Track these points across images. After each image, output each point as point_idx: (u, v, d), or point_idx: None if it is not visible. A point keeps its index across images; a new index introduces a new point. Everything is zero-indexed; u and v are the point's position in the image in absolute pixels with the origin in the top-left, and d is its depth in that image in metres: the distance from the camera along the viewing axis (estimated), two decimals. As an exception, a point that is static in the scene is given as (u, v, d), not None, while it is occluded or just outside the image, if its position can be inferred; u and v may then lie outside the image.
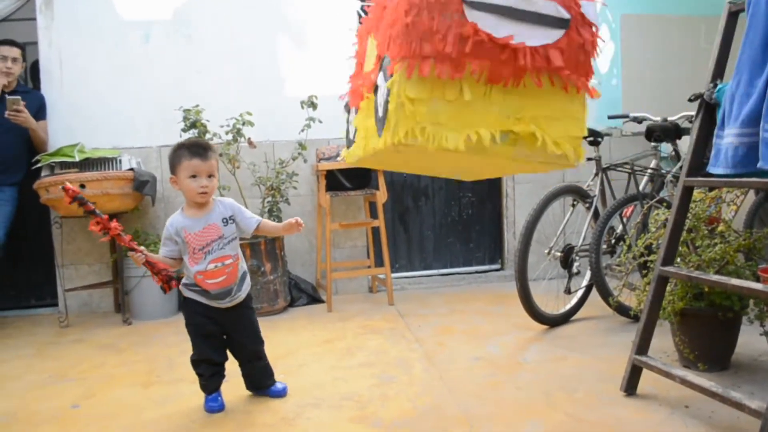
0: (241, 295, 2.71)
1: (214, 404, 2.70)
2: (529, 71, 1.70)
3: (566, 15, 1.69)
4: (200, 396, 2.76)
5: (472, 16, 1.66)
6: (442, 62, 1.67)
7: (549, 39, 1.67)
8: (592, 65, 1.79)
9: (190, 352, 2.76)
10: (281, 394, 2.82)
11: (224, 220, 2.62)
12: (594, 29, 1.77)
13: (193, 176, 2.53)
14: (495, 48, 1.68)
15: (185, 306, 2.70)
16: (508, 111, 1.73)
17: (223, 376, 2.77)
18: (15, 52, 4.29)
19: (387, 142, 1.74)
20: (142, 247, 2.53)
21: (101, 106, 4.70)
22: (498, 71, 1.69)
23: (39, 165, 4.27)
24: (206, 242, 2.57)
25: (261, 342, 2.81)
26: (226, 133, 4.37)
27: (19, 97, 4.16)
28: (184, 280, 2.66)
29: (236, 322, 2.72)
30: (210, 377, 2.72)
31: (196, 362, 2.73)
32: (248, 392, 2.88)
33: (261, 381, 2.84)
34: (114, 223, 2.52)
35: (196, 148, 2.56)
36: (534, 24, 1.67)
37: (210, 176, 2.55)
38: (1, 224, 4.24)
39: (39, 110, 4.45)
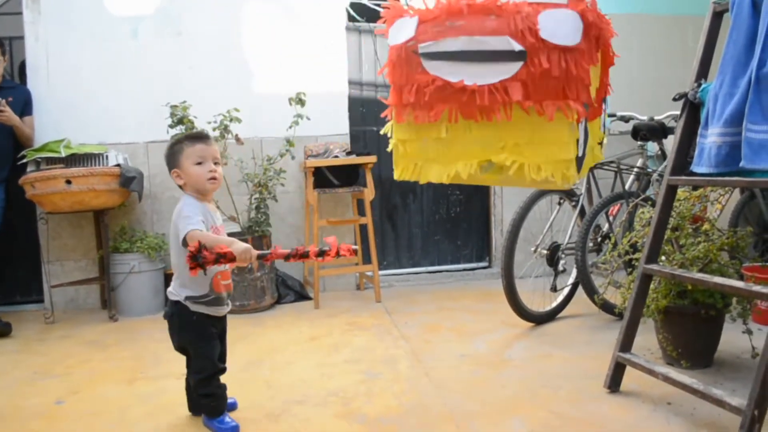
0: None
1: (232, 423, 2.47)
2: (497, 106, 1.79)
3: (518, 47, 1.72)
4: (184, 392, 2.76)
5: (430, 66, 1.85)
6: (419, 109, 1.91)
7: (508, 73, 1.73)
8: (577, 86, 1.75)
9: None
10: (234, 407, 2.68)
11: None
12: (560, 52, 1.73)
13: (199, 163, 2.38)
14: (455, 91, 1.83)
15: (194, 323, 2.43)
16: (491, 142, 1.85)
17: None
18: None
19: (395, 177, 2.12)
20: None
21: (88, 102, 4.68)
22: (467, 110, 1.83)
23: (25, 161, 4.24)
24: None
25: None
26: (214, 129, 4.35)
27: (1, 99, 4.11)
28: (188, 293, 2.41)
29: (224, 330, 2.59)
30: (224, 392, 2.52)
31: (212, 378, 2.47)
32: (232, 388, 2.88)
33: None
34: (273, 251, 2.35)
35: (196, 134, 2.47)
36: (490, 62, 1.75)
37: (216, 163, 2.41)
38: None
39: (25, 105, 4.41)
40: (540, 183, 1.83)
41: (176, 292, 2.43)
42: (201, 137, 2.43)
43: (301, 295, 4.75)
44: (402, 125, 1.99)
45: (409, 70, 1.92)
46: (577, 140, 1.78)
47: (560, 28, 1.71)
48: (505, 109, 1.78)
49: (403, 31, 1.94)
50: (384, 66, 2.07)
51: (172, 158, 2.42)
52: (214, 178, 2.39)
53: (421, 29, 1.88)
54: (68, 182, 4.03)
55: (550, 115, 1.72)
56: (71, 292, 4.74)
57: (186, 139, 2.43)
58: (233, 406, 2.68)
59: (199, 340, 2.45)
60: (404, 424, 2.47)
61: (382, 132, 2.16)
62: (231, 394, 2.77)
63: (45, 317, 4.34)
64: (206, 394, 2.47)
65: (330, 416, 2.56)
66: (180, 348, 2.53)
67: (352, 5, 5.14)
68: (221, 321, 2.55)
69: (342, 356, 3.34)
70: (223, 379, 2.74)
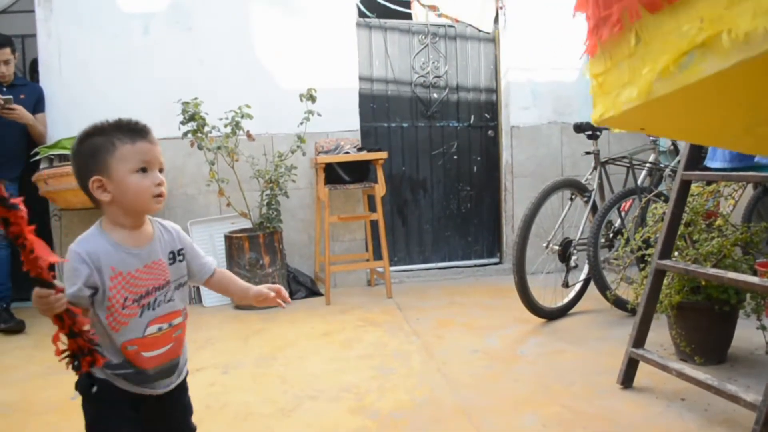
0: (185, 370, 1.67)
1: None
2: None
3: None
4: (197, 387, 2.77)
5: None
6: (601, 25, 1.54)
7: None
8: None
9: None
10: None
11: (171, 255, 1.60)
12: None
13: (142, 170, 1.51)
14: None
15: (94, 397, 1.54)
16: (687, 26, 1.34)
17: None
18: (6, 53, 4.23)
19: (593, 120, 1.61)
20: (60, 284, 1.35)
21: (100, 99, 4.69)
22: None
23: (38, 157, 4.27)
24: (148, 289, 1.52)
25: None
26: (225, 125, 4.37)
27: (10, 97, 4.13)
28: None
29: (169, 415, 1.65)
30: None
31: None
32: (245, 383, 2.89)
33: None
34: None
35: (134, 126, 1.57)
36: None
37: (161, 170, 1.56)
38: None
39: (37, 103, 4.44)
40: (750, 46, 1.28)
41: None
42: (142, 132, 1.58)
43: (313, 291, 4.76)
44: (595, 57, 1.66)
45: None
46: None
47: None
48: None
49: None
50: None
51: (93, 158, 1.52)
52: (161, 195, 1.53)
53: None
54: (81, 179, 4.04)
55: None
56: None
57: (118, 131, 1.55)
58: None
59: (94, 424, 1.57)
60: (417, 419, 2.47)
61: (582, 75, 1.81)
62: (244, 390, 2.79)
63: (58, 313, 4.36)
64: None
65: (343, 411, 2.57)
66: None
67: (363, 1, 5.14)
68: (150, 405, 1.58)
69: (354, 352, 3.34)
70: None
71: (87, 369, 1.42)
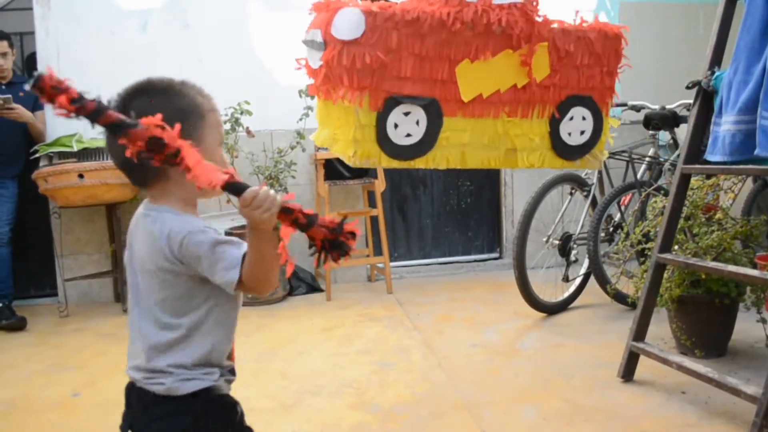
0: None
1: None
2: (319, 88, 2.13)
3: (320, 39, 1.99)
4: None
5: (307, 53, 2.20)
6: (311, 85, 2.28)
7: (320, 61, 2.03)
8: (360, 76, 1.93)
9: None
10: None
11: None
12: (337, 45, 1.93)
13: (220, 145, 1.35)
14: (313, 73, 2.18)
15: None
16: (327, 129, 2.21)
17: None
18: (3, 46, 4.24)
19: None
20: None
21: (98, 96, 4.69)
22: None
23: (37, 155, 4.26)
24: None
25: None
26: (224, 122, 4.36)
27: (9, 96, 4.12)
28: (192, 362, 1.30)
29: None
30: None
31: None
32: (246, 378, 2.90)
33: None
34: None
35: (204, 92, 1.42)
36: (316, 50, 2.06)
37: None
38: (5, 220, 4.24)
39: (36, 100, 4.41)
40: (341, 156, 2.12)
41: (187, 371, 1.29)
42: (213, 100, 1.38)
43: (313, 287, 4.76)
44: (313, 99, 2.41)
45: None
46: (379, 125, 2.00)
47: (343, 24, 1.93)
48: (325, 92, 2.07)
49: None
50: None
51: (185, 120, 1.21)
52: None
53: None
54: (80, 176, 4.04)
55: (333, 100, 1.98)
56: (84, 286, 4.77)
57: (196, 93, 1.37)
58: None
59: None
60: (417, 413, 2.48)
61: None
62: (245, 385, 2.79)
63: (59, 311, 4.37)
64: None
65: (343, 406, 2.57)
66: None
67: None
68: None
69: (355, 347, 3.35)
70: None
71: (353, 243, 1.18)
